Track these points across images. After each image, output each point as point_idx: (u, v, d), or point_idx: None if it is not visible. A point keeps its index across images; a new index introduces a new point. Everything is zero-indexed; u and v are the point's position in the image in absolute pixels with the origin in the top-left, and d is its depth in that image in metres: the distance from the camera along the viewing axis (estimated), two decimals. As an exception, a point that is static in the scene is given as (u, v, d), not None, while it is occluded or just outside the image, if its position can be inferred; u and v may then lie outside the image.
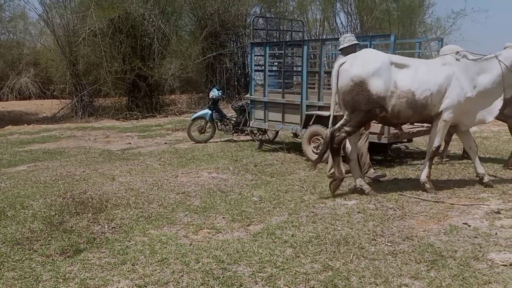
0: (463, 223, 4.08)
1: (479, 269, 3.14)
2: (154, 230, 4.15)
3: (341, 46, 5.80)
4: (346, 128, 5.00)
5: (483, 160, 6.74)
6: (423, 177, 5.21)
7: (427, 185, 5.15)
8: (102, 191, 5.49)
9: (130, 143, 9.64)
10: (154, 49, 15.63)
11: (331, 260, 3.35)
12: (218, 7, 16.77)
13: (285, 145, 8.07)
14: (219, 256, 3.48)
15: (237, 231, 4.09)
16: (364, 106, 4.88)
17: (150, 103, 15.97)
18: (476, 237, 3.74)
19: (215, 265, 3.34)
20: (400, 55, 6.25)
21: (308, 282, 3.04)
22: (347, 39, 5.82)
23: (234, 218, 4.39)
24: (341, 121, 5.03)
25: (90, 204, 4.88)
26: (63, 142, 10.06)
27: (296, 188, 5.45)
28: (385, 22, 19.59)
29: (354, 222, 4.16)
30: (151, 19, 15.50)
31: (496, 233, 3.81)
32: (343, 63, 5.01)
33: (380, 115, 4.99)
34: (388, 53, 6.71)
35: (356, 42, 5.87)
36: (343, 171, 5.15)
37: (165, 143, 9.48)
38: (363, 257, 3.40)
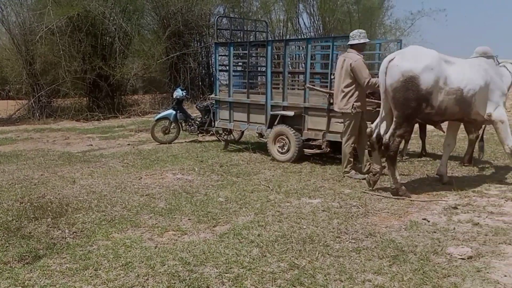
0: (422, 219, 4.22)
1: (438, 263, 3.26)
2: (118, 233, 4.05)
3: (354, 42, 5.84)
4: (399, 132, 4.90)
5: (438, 157, 7.01)
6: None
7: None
8: (62, 194, 5.31)
9: (91, 145, 9.38)
10: (116, 48, 15.28)
11: (297, 259, 3.39)
12: (181, 7, 16.57)
13: (251, 145, 8.09)
14: (185, 258, 3.45)
15: (203, 232, 4.06)
16: (414, 102, 4.78)
17: (112, 103, 15.59)
18: (435, 232, 3.88)
19: (181, 267, 3.31)
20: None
21: (275, 281, 3.06)
22: (363, 35, 5.87)
23: (200, 219, 4.36)
24: (392, 126, 4.91)
25: (49, 208, 4.71)
26: (19, 145, 9.65)
27: (262, 188, 5.48)
28: (346, 23, 19.97)
29: (319, 221, 4.23)
30: (112, 18, 15.13)
31: (454, 228, 3.97)
32: (392, 59, 4.89)
33: (425, 111, 4.92)
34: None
35: (368, 40, 5.96)
36: (398, 178, 5.07)
37: (128, 144, 9.29)
38: (328, 254, 3.46)
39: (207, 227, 4.18)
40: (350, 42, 5.88)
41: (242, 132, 8.98)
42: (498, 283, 2.95)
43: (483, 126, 6.50)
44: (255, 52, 9.57)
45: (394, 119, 4.91)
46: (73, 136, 10.74)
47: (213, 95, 8.64)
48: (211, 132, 8.97)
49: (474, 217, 4.25)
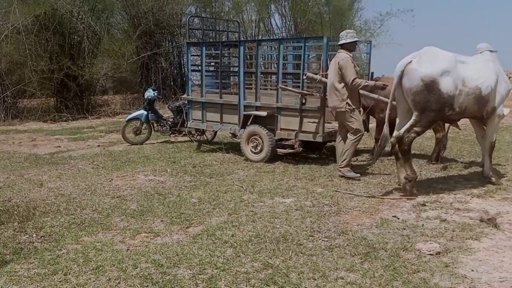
0: (392, 216, 4.32)
1: (408, 259, 3.34)
2: (88, 237, 3.96)
3: (342, 42, 5.93)
4: (416, 129, 4.90)
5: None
6: (487, 172, 5.45)
7: (493, 179, 5.40)
8: (29, 198, 5.15)
9: (59, 146, 9.12)
10: (84, 47, 14.92)
11: (271, 258, 3.40)
12: (152, 6, 16.35)
13: (224, 146, 8.07)
14: (158, 260, 3.40)
15: (176, 233, 4.02)
16: (435, 105, 4.75)
17: (81, 104, 15.23)
18: (404, 229, 3.97)
19: (153, 269, 3.26)
20: (331, 56, 6.51)
21: (249, 281, 3.06)
22: (350, 35, 5.96)
23: (173, 221, 4.32)
24: (410, 122, 4.89)
25: (15, 212, 4.56)
26: (-17, 147, 9.31)
27: (236, 188, 5.47)
28: (317, 24, 20.20)
29: (293, 220, 4.26)
30: (80, 16, 14.78)
31: (422, 225, 4.07)
32: (410, 62, 4.85)
33: (447, 113, 4.92)
34: (321, 55, 6.98)
35: (358, 39, 6.01)
36: (415, 170, 5.09)
37: (98, 146, 9.09)
38: (302, 253, 3.48)
39: (180, 228, 4.15)
40: (339, 43, 6.00)
41: (215, 133, 8.95)
42: (466, 277, 3.05)
43: (448, 124, 6.69)
44: (227, 52, 9.55)
45: (414, 117, 4.88)
46: (40, 138, 10.43)
47: (185, 95, 8.57)
48: (184, 133, 8.90)
49: (442, 214, 4.37)
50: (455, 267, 3.20)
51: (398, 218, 4.26)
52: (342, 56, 5.88)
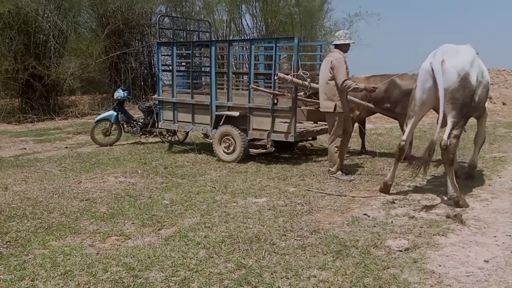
0: (363, 214, 4.40)
1: (378, 256, 3.41)
2: (56, 241, 3.85)
3: (339, 42, 5.85)
4: (455, 132, 4.67)
5: (378, 154, 7.33)
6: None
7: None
8: (-7, 202, 4.97)
9: (25, 149, 8.83)
10: (50, 46, 14.48)
11: (244, 258, 3.40)
12: (120, 4, 16.04)
13: (196, 146, 8.01)
14: (129, 263, 3.35)
15: (148, 236, 3.96)
16: (470, 99, 4.67)
17: (47, 104, 14.76)
18: (374, 226, 4.05)
19: (125, 273, 3.21)
20: (303, 56, 6.56)
21: (222, 282, 3.05)
22: (348, 36, 5.90)
23: (145, 223, 4.26)
24: (449, 127, 4.63)
25: (-22, 217, 4.38)
26: None
27: (208, 189, 5.44)
28: (288, 25, 20.33)
29: (265, 219, 4.27)
30: (45, 15, 14.34)
31: (392, 222, 4.16)
32: (443, 60, 4.64)
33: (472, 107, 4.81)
34: (292, 55, 7.02)
35: (353, 41, 6.00)
36: (456, 185, 4.73)
37: (66, 148, 8.85)
38: (275, 252, 3.50)
39: (152, 230, 4.09)
40: (335, 42, 5.92)
41: (187, 133, 8.88)
42: (434, 272, 3.13)
43: None
44: (198, 52, 9.49)
45: (452, 119, 4.65)
46: (4, 140, 10.06)
47: (156, 96, 8.46)
48: (155, 133, 8.80)
49: (410, 211, 4.48)
50: (423, 263, 3.29)
51: (369, 216, 4.34)
52: (336, 56, 5.80)
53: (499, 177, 5.76)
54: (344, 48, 5.91)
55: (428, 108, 5.00)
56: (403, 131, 6.97)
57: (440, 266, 3.25)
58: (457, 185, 4.69)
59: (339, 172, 5.92)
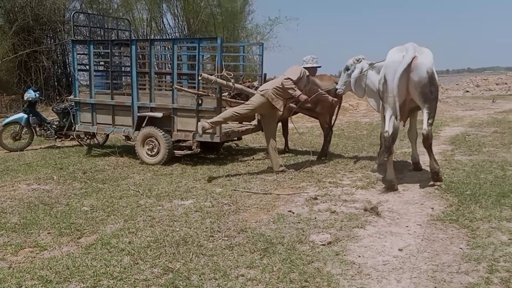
0: (288, 211, 4.52)
1: (303, 251, 3.52)
2: (-41, 257, 3.49)
3: (306, 66, 6.22)
4: (432, 120, 5.19)
5: (300, 153, 7.59)
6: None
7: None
8: None
9: None
10: None
11: (171, 262, 3.33)
12: (30, 0, 14.98)
13: (117, 149, 7.70)
14: (46, 276, 3.13)
15: (66, 245, 3.74)
16: (436, 94, 5.24)
17: None
18: (299, 222, 4.18)
19: (41, 286, 2.99)
20: (226, 57, 6.59)
21: (148, 288, 2.97)
22: (315, 60, 6.29)
23: (62, 232, 4.00)
24: (426, 118, 5.12)
25: None
26: None
27: (131, 193, 5.26)
28: (210, 25, 20.33)
29: (192, 221, 4.22)
30: None
31: (315, 217, 4.32)
32: (416, 56, 5.07)
33: None
34: (215, 55, 7.01)
35: (320, 65, 6.33)
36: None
37: (-31, 154, 8.06)
38: (202, 254, 3.47)
39: (71, 239, 3.86)
40: (303, 66, 6.23)
41: (107, 136, 8.50)
42: (354, 263, 3.31)
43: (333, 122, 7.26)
44: (118, 52, 9.14)
45: (427, 111, 5.14)
46: None
47: (72, 97, 8.00)
48: (72, 137, 8.35)
49: (332, 206, 4.69)
50: (345, 255, 3.46)
51: (293, 213, 4.46)
52: (301, 67, 6.17)
53: (409, 171, 6.23)
54: (310, 71, 6.29)
55: (401, 99, 5.24)
56: (323, 129, 7.29)
57: (359, 256, 3.43)
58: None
59: (282, 168, 6.20)
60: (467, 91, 29.50)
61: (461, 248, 3.49)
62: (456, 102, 18.37)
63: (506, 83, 34.07)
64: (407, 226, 4.07)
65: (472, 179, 5.53)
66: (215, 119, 5.98)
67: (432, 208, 4.53)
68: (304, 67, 6.22)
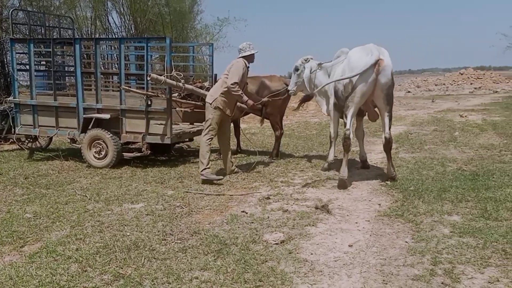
0: (241, 211, 4.53)
1: (257, 251, 3.54)
2: None
3: (244, 54, 5.88)
4: (390, 124, 5.43)
5: (253, 153, 7.63)
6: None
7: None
8: None
9: None
10: None
11: (122, 268, 3.24)
12: (-38, -6, 14.03)
13: (62, 152, 7.37)
14: (-14, 288, 2.94)
15: (9, 255, 3.53)
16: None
17: None
18: (252, 222, 4.21)
19: (-19, 300, 2.81)
20: (175, 57, 6.51)
21: (98, 296, 2.87)
22: (252, 46, 5.94)
23: (3, 241, 3.78)
24: (387, 121, 5.34)
25: None
26: None
27: (78, 198, 5.06)
28: (159, 25, 19.97)
29: (144, 225, 4.13)
30: None
31: (268, 217, 4.36)
32: (381, 59, 5.10)
33: None
34: (164, 55, 6.91)
35: (257, 51, 6.00)
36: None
37: None
38: (155, 258, 3.40)
39: (13, 248, 3.65)
40: (241, 55, 5.92)
41: (51, 139, 8.13)
42: (307, 261, 3.37)
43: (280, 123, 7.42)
44: (61, 51, 8.76)
45: (387, 114, 5.35)
46: None
47: (11, 98, 7.57)
48: (11, 140, 7.91)
49: (284, 205, 4.76)
50: (297, 253, 3.52)
51: (247, 213, 4.48)
52: (239, 60, 5.91)
53: (357, 169, 6.44)
54: (249, 58, 6.03)
55: (365, 100, 5.35)
56: (274, 129, 7.37)
57: (312, 254, 3.50)
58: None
59: (207, 170, 5.78)
60: (409, 92, 31.02)
61: (406, 242, 3.66)
62: (398, 102, 19.22)
63: (444, 84, 36.14)
64: (356, 223, 4.20)
65: (415, 176, 5.80)
66: (201, 159, 5.79)
67: (379, 204, 4.71)
68: (241, 56, 5.96)
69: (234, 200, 4.97)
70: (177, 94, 7.25)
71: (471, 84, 33.96)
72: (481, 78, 35.72)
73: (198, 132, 7.52)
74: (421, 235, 3.77)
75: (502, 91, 27.97)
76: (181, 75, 6.53)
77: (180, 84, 6.46)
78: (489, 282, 2.94)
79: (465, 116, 13.09)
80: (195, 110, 7.44)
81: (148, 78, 6.25)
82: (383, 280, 3.02)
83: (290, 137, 9.52)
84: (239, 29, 52.04)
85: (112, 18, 23.87)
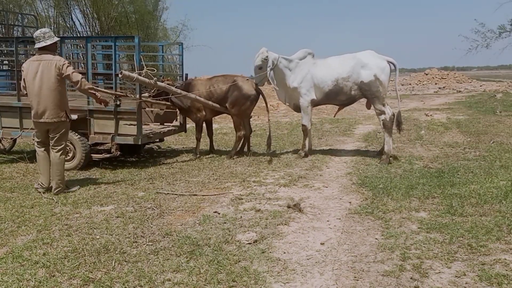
0: (214, 212, 4.51)
1: (230, 251, 3.53)
2: None
3: (46, 44, 5.07)
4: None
5: (224, 153, 7.61)
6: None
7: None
8: None
9: None
10: None
11: (91, 272, 3.16)
12: None
13: (27, 155, 7.13)
14: None
15: (-29, 262, 3.39)
16: None
17: None
18: (225, 223, 4.19)
19: None
20: (144, 57, 6.41)
21: (68, 302, 2.79)
22: (49, 35, 5.14)
23: (-35, 248, 3.62)
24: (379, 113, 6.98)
25: None
26: None
27: (45, 201, 4.91)
28: (124, 24, 19.66)
29: (114, 228, 4.05)
30: None
31: (240, 217, 4.36)
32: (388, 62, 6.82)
33: None
34: (132, 55, 6.81)
35: (58, 38, 5.32)
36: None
37: None
38: (126, 261, 3.34)
39: (-24, 255, 3.51)
40: (40, 46, 5.09)
41: (14, 141, 7.86)
42: (279, 260, 3.39)
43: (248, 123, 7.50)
44: (24, 50, 8.48)
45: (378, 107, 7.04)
46: None
47: (-29, 98, 7.26)
48: (-28, 143, 7.57)
49: (256, 204, 4.77)
50: (270, 252, 3.53)
51: (219, 213, 4.46)
52: (58, 58, 5.17)
53: (328, 168, 6.53)
54: (52, 48, 5.23)
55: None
56: (236, 130, 7.34)
57: (284, 253, 3.52)
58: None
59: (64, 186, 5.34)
60: (376, 92, 31.68)
61: (376, 239, 3.74)
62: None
63: (410, 84, 37.09)
64: (327, 221, 4.26)
65: (384, 174, 5.94)
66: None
67: (350, 202, 4.79)
68: (38, 48, 5.13)
69: (207, 201, 4.94)
70: (147, 94, 7.15)
71: (436, 84, 35.08)
72: (445, 78, 36.94)
73: (169, 133, 7.46)
74: (390, 232, 3.85)
75: (465, 90, 28.98)
76: (154, 71, 6.45)
77: (152, 81, 6.37)
78: (456, 277, 3.04)
79: (431, 115, 13.50)
80: (167, 110, 7.36)
81: (120, 76, 6.12)
82: (355, 277, 3.08)
83: (262, 136, 9.54)
84: (207, 27, 51.78)
85: (76, 17, 23.26)
